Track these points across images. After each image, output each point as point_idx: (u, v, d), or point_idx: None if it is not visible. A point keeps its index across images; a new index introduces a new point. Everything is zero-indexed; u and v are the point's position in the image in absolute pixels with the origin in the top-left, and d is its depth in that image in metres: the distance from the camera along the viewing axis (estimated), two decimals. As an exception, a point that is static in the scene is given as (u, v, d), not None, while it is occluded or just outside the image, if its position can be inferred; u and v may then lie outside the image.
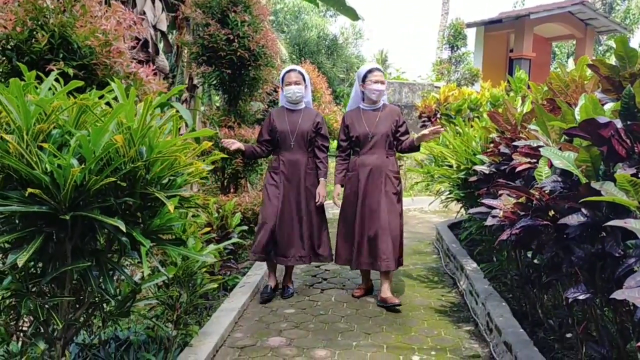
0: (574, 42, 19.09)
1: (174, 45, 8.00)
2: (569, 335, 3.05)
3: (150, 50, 6.23)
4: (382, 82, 4.23)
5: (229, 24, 5.18)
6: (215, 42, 5.14)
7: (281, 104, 4.53)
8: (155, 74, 2.96)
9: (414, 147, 4.26)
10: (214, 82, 5.62)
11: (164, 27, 6.95)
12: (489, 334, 3.52)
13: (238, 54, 5.14)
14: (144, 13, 6.82)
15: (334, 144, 13.33)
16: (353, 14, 11.49)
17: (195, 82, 7.97)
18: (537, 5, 16.34)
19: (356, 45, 17.68)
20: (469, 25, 16.97)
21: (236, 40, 5.14)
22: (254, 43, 5.20)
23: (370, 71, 4.23)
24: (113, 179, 1.71)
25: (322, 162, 4.42)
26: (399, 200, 4.30)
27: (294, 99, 4.36)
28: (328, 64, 13.75)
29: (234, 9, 5.19)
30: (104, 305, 2.24)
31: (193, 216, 3.36)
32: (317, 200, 4.36)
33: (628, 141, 1.65)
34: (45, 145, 1.64)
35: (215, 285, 3.53)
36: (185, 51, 7.69)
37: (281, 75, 4.42)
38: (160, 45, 7.28)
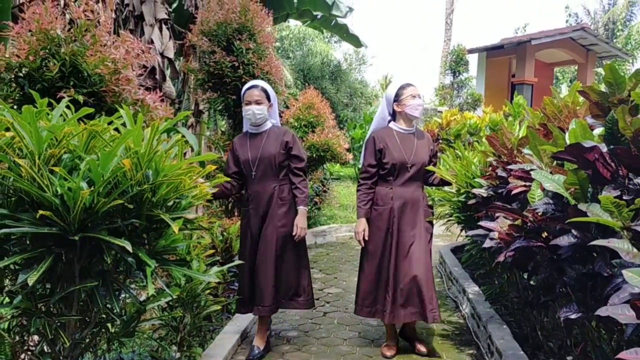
0: (576, 67, 19.25)
1: (181, 71, 8.16)
2: (569, 358, 3.07)
3: (157, 76, 6.38)
4: (419, 97, 3.63)
5: (234, 51, 5.31)
6: (221, 69, 5.26)
7: (244, 129, 3.91)
8: (162, 100, 3.06)
9: (444, 182, 3.80)
10: (220, 107, 5.73)
11: (171, 54, 7.11)
12: (490, 357, 3.54)
13: (243, 80, 5.25)
14: (152, 41, 7.00)
15: (336, 167, 13.50)
16: (356, 41, 11.72)
17: (201, 107, 8.12)
18: (538, 32, 16.55)
19: (359, 71, 17.91)
20: (471, 51, 17.16)
21: (241, 67, 5.26)
22: (258, 69, 5.32)
23: (403, 87, 3.62)
24: (120, 201, 1.79)
25: (298, 189, 3.69)
26: (431, 239, 3.73)
27: (254, 121, 3.65)
28: (332, 89, 13.94)
29: (239, 37, 5.32)
30: (109, 325, 2.30)
31: (197, 238, 3.43)
32: (295, 234, 3.64)
33: (612, 164, 1.72)
34: (56, 169, 1.72)
35: (219, 307, 3.59)
36: (192, 77, 7.86)
37: (242, 93, 3.75)
38: (167, 72, 7.43)
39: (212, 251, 3.75)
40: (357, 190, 3.71)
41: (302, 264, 3.76)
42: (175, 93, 7.41)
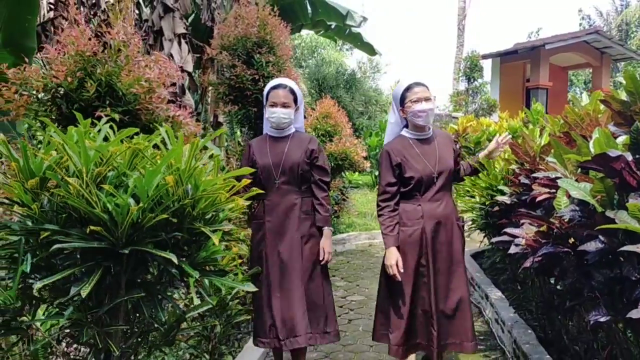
0: (590, 70, 19.18)
1: (199, 84, 8.32)
2: (595, 361, 3.11)
3: (177, 90, 6.53)
4: (427, 99, 3.07)
5: (254, 65, 5.43)
6: (242, 82, 5.38)
7: (264, 131, 3.46)
8: (192, 116, 3.17)
9: (477, 170, 3.45)
10: (241, 119, 5.85)
11: (190, 68, 7.27)
12: (516, 361, 3.58)
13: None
14: (171, 55, 7.17)
15: (355, 175, 13.58)
16: (370, 49, 11.83)
17: (220, 119, 8.28)
18: (552, 36, 16.57)
19: (374, 79, 18.05)
20: (485, 57, 17.21)
21: (261, 80, 5.37)
22: (278, 82, 5.43)
23: (408, 89, 3.12)
24: (165, 216, 1.88)
25: (321, 205, 3.28)
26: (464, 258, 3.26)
27: (278, 125, 3.26)
28: (347, 97, 14.06)
29: (258, 51, 5.44)
30: (148, 335, 2.39)
31: (227, 249, 3.52)
32: (321, 259, 3.24)
33: (638, 173, 1.78)
34: (105, 186, 1.82)
35: (248, 317, 3.68)
36: (210, 90, 8.02)
37: (265, 92, 3.34)
38: (186, 85, 7.58)
39: (240, 260, 3.83)
40: (379, 215, 3.18)
41: (327, 292, 3.33)
42: (194, 105, 7.57)
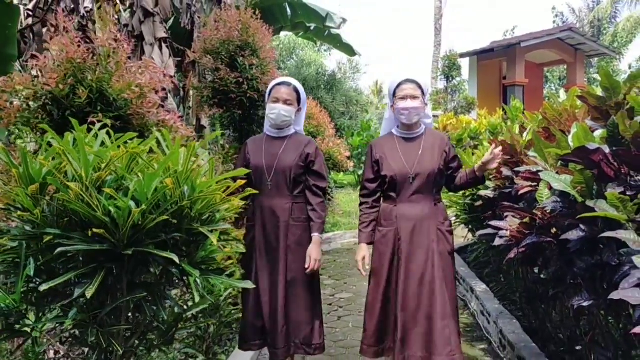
0: (565, 67, 19.57)
1: (180, 88, 8.32)
2: (578, 347, 3.23)
3: (159, 94, 6.54)
4: (414, 97, 2.96)
5: (237, 68, 5.48)
6: (226, 85, 5.42)
7: (264, 130, 3.34)
8: (182, 120, 3.22)
9: (478, 180, 3.09)
10: (226, 122, 5.90)
11: (171, 72, 7.27)
12: (503, 351, 3.70)
13: (248, 95, 5.42)
14: (152, 60, 7.17)
15: (340, 176, 13.69)
16: (350, 50, 11.95)
17: (202, 122, 8.30)
18: (527, 34, 16.87)
19: (354, 79, 18.18)
20: (463, 56, 17.46)
21: (245, 83, 5.43)
22: (262, 84, 5.49)
23: (398, 85, 3.03)
24: (166, 217, 1.94)
25: (315, 211, 3.13)
26: (454, 264, 3.07)
27: (277, 122, 3.14)
28: (328, 98, 14.17)
29: (242, 54, 5.50)
30: (147, 334, 2.44)
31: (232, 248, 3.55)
32: (307, 266, 3.08)
33: (615, 164, 1.90)
34: (107, 190, 1.87)
35: (240, 316, 3.73)
36: (191, 93, 8.04)
37: (268, 89, 3.24)
38: (168, 89, 7.59)
39: (231, 261, 3.89)
40: (360, 211, 3.18)
41: (315, 301, 3.21)
42: (177, 109, 7.59)
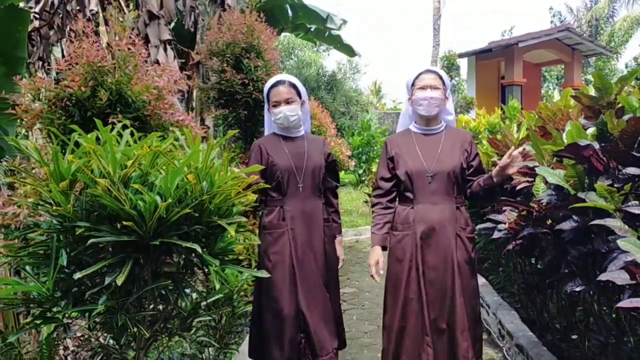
0: (563, 66, 19.74)
1: (185, 88, 8.47)
2: (574, 336, 3.39)
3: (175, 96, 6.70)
4: (435, 88, 2.78)
5: (243, 69, 5.63)
6: (232, 86, 5.58)
7: (271, 130, 3.17)
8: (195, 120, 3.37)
9: (493, 187, 2.84)
10: (232, 122, 6.06)
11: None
12: (502, 340, 3.86)
13: (253, 96, 5.57)
14: (158, 62, 7.32)
15: (341, 175, 13.84)
16: (350, 51, 12.09)
17: (207, 122, 8.45)
18: (525, 34, 17.04)
19: (354, 80, 18.35)
20: (461, 56, 17.64)
21: (250, 84, 5.58)
22: (266, 85, 5.63)
23: (417, 76, 2.85)
24: (189, 211, 2.10)
25: (337, 212, 3.18)
26: (475, 273, 2.85)
27: (287, 125, 2.99)
28: (329, 98, 14.34)
29: (247, 56, 5.65)
30: (168, 321, 2.60)
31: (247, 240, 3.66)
32: (340, 266, 3.17)
33: (604, 159, 2.06)
34: (136, 185, 2.03)
35: (251, 307, 3.88)
36: (194, 93, 8.20)
37: (265, 92, 3.09)
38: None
39: (244, 256, 4.04)
40: (372, 212, 2.97)
41: (339, 299, 3.21)
42: (181, 109, 7.74)
